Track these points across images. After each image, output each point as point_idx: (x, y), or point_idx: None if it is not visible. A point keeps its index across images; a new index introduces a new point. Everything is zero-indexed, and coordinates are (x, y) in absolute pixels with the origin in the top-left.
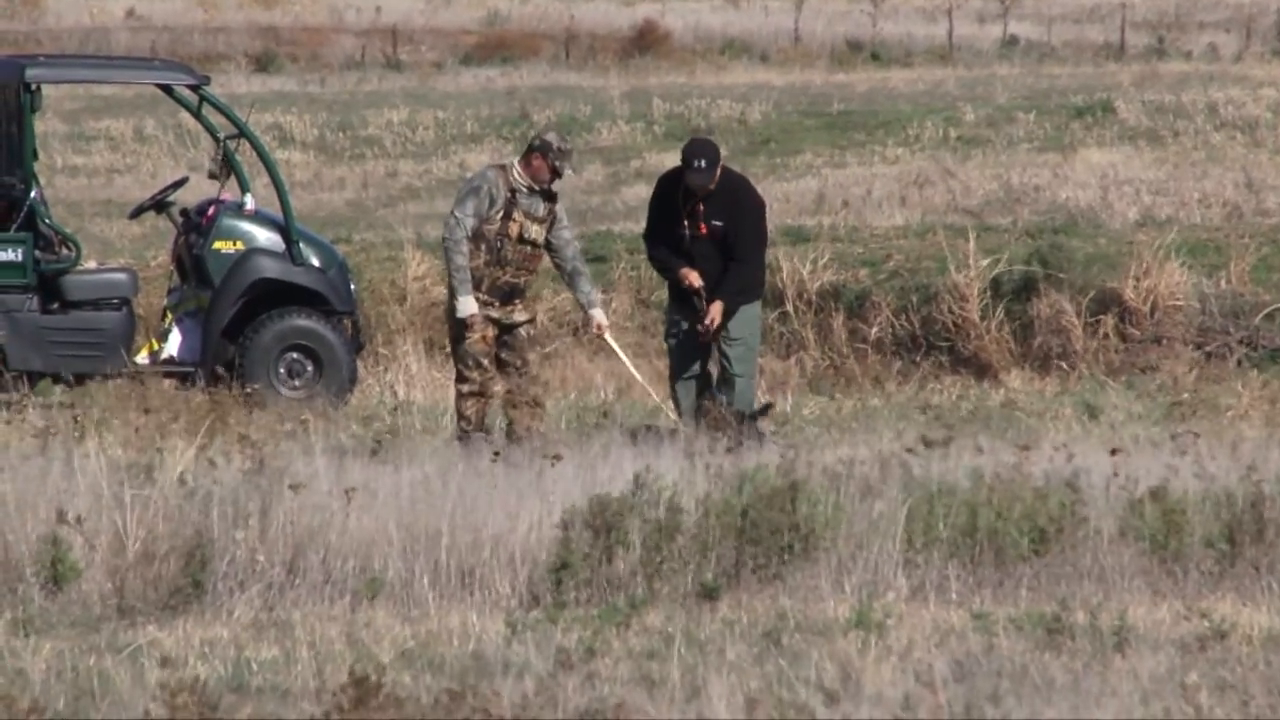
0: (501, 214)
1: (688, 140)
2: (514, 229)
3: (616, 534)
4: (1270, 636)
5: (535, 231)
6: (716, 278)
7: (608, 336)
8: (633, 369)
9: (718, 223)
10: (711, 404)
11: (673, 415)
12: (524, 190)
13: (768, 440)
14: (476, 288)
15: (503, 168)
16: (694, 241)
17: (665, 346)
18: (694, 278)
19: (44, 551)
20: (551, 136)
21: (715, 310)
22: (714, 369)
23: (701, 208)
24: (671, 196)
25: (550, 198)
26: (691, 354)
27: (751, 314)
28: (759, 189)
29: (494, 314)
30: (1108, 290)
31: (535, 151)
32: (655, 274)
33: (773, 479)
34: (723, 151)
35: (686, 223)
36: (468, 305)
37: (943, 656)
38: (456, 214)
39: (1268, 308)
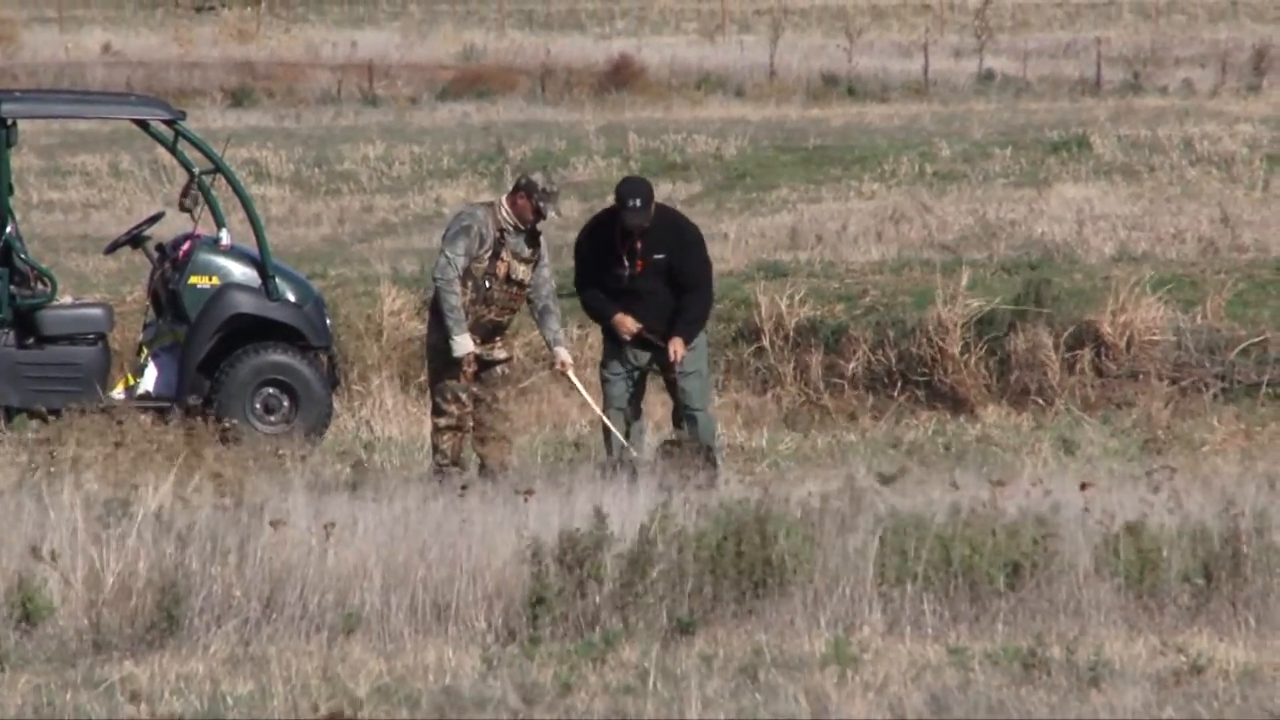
0: (490, 253)
1: (620, 181)
2: (501, 269)
3: (589, 567)
4: (1246, 671)
5: (522, 272)
6: (661, 311)
7: (571, 374)
8: (595, 406)
9: (659, 256)
10: (676, 442)
11: (628, 448)
12: (511, 229)
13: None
14: None
15: (491, 205)
16: (634, 279)
17: (600, 377)
18: (629, 324)
19: (18, 587)
20: (538, 177)
21: (677, 344)
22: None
23: (639, 245)
24: (605, 239)
25: (535, 238)
26: (628, 393)
27: (701, 345)
28: (734, 224)
29: (475, 350)
30: (1085, 325)
31: (521, 191)
32: None
33: (746, 513)
34: (698, 187)
35: (625, 261)
36: (464, 345)
37: (918, 691)
38: (448, 253)
39: (1243, 343)
